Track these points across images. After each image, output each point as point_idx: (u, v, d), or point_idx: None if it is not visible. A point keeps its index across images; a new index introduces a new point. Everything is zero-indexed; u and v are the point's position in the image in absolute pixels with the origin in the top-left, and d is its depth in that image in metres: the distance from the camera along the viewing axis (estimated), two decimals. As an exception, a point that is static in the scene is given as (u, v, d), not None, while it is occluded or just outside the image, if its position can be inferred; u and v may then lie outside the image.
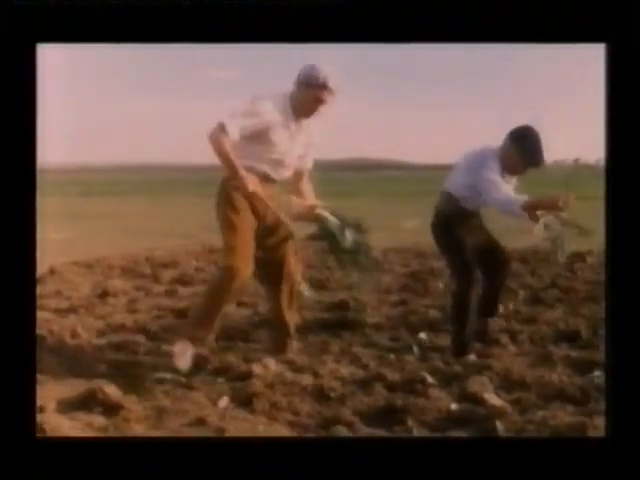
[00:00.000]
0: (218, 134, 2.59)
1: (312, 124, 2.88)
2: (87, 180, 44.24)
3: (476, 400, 2.45)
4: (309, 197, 3.01)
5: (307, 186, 3.04)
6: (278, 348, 3.04)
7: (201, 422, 2.29)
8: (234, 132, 2.59)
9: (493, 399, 2.41)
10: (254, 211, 2.80)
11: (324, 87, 2.65)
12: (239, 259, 2.69)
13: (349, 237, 2.83)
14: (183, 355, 2.74)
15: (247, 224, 2.77)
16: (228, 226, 2.76)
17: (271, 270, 2.98)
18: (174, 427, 2.27)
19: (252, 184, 2.67)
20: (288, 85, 2.82)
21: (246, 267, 2.71)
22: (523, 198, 2.91)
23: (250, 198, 2.74)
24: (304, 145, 2.90)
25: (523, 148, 3.02)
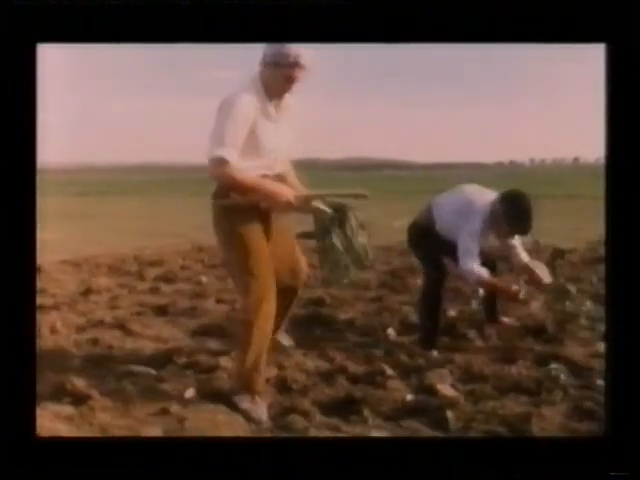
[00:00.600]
0: (220, 169, 2.28)
1: (291, 104, 2.56)
2: (85, 180, 44.21)
3: (431, 391, 2.54)
4: (297, 187, 2.65)
5: (292, 174, 2.71)
6: None
7: (165, 412, 2.38)
8: (233, 157, 2.28)
9: (446, 390, 2.51)
10: (263, 223, 2.50)
11: (295, 64, 2.35)
12: (262, 289, 2.41)
13: (349, 230, 2.57)
14: (257, 408, 2.41)
15: (261, 243, 2.47)
16: (240, 250, 2.42)
17: None
18: (140, 416, 2.37)
19: (287, 193, 2.40)
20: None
21: (272, 296, 2.44)
22: (484, 274, 3.11)
23: (295, 208, 2.46)
24: (288, 130, 2.58)
25: (512, 216, 3.07)
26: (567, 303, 4.24)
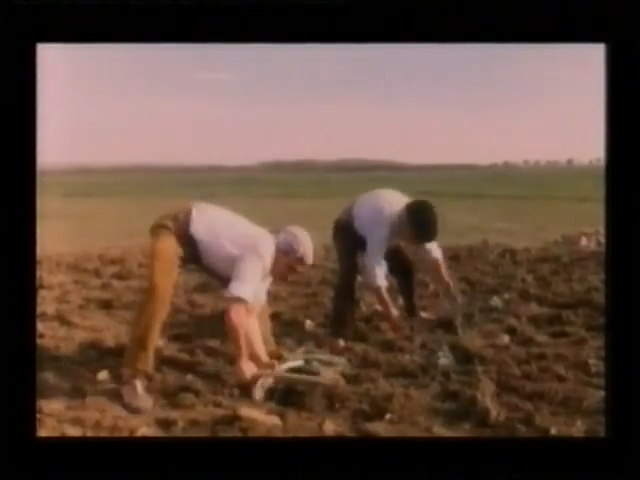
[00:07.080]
0: (238, 308, 2.63)
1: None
2: (76, 181, 44.19)
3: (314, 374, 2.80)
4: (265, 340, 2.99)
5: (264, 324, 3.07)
6: None
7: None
8: (250, 297, 2.68)
9: (327, 373, 2.76)
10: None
11: (300, 261, 2.78)
12: (158, 276, 2.67)
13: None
14: (136, 394, 2.57)
15: (172, 251, 2.77)
16: (152, 254, 2.76)
17: None
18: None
19: (248, 371, 2.67)
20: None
21: (165, 282, 2.68)
22: (383, 284, 3.45)
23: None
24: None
25: (416, 224, 3.31)
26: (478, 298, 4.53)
